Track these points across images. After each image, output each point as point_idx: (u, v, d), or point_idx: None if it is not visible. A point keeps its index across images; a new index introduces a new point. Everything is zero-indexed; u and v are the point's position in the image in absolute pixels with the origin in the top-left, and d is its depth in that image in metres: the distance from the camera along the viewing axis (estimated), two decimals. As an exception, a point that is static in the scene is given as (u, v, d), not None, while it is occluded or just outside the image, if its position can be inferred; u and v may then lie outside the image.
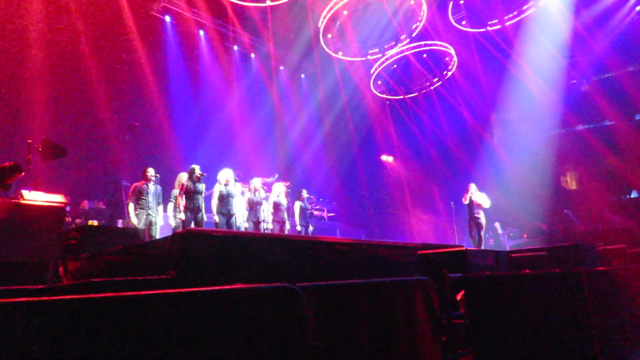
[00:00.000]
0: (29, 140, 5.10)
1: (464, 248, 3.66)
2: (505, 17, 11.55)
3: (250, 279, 2.39)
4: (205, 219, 6.23)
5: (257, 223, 6.92)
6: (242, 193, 7.26)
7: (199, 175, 6.14)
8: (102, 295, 1.13)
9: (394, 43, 12.31)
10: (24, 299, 1.01)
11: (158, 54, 11.20)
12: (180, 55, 11.36)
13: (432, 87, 14.58)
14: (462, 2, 11.53)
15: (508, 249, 10.41)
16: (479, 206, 7.98)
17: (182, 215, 6.00)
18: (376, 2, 11.32)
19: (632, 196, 11.07)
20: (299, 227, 7.69)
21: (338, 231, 12.50)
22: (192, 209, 6.02)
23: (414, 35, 11.89)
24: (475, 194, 8.03)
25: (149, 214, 5.94)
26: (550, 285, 2.41)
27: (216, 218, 6.38)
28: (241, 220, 6.86)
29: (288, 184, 8.19)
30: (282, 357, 1.43)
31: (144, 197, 5.93)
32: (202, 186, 6.20)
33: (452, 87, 14.23)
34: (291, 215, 7.81)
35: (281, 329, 1.45)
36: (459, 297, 2.73)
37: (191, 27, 11.41)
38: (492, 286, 2.59)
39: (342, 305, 1.84)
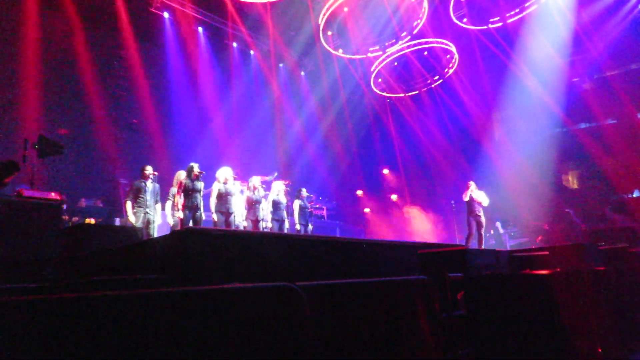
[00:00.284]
0: (26, 139, 5.07)
1: (464, 247, 3.64)
2: (507, 14, 11.49)
3: (249, 278, 2.36)
4: (203, 217, 6.18)
5: (256, 222, 6.89)
6: (241, 191, 7.24)
7: (197, 173, 6.10)
8: (100, 293, 1.12)
9: (394, 40, 12.26)
10: (21, 298, 1.02)
11: (156, 51, 11.15)
12: (179, 52, 11.30)
13: (432, 85, 14.53)
14: (463, -1, 11.48)
15: (509, 248, 10.40)
16: (480, 204, 7.97)
17: (180, 214, 5.95)
18: (377, -1, 11.26)
19: (633, 195, 11.05)
20: (298, 226, 7.67)
21: (338, 230, 12.48)
22: (191, 208, 5.97)
23: (414, 32, 11.84)
24: (475, 192, 8.02)
25: (147, 212, 5.91)
26: (551, 285, 2.39)
27: (215, 216, 6.35)
28: (240, 218, 6.83)
29: (287, 182, 8.18)
30: (281, 356, 1.41)
31: (141, 195, 5.89)
32: (200, 184, 6.16)
33: (452, 85, 14.18)
34: (290, 213, 7.79)
35: (280, 328, 1.44)
36: (459, 297, 2.71)
37: (190, 23, 11.35)
38: (492, 286, 2.58)
39: (342, 304, 1.82)
